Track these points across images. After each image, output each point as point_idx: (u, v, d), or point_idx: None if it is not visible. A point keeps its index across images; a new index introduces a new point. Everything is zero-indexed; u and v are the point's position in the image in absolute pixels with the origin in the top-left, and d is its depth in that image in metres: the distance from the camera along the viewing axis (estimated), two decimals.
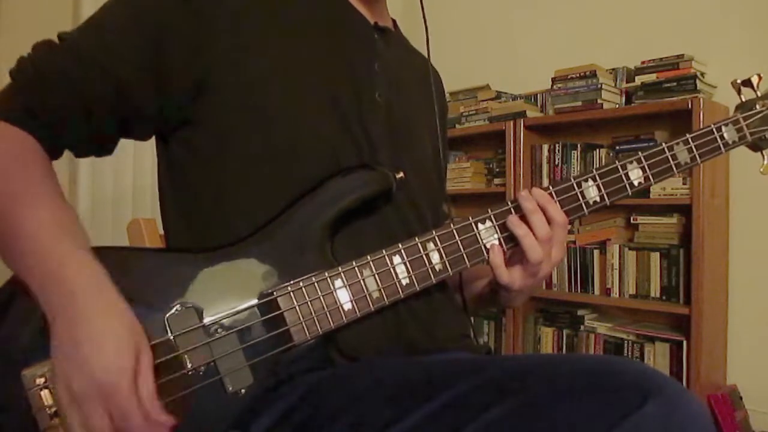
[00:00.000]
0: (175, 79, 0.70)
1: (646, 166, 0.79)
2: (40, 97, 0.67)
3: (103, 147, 0.74)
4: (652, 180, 0.79)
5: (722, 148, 0.84)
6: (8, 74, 0.68)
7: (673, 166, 0.81)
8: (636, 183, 0.79)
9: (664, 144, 0.81)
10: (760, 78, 0.87)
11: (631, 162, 0.79)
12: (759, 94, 0.87)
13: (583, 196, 0.77)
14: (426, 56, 0.97)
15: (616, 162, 0.79)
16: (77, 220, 0.63)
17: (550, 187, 0.76)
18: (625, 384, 0.52)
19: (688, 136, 0.82)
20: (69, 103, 0.67)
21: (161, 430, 0.56)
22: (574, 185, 0.77)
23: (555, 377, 0.55)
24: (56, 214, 0.61)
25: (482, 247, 0.74)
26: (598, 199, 0.78)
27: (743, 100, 0.88)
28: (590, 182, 0.77)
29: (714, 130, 0.83)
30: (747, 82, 0.87)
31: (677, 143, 0.81)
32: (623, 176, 0.79)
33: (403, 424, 0.57)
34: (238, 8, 0.72)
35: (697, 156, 0.81)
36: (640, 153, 0.80)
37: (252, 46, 0.72)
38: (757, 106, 0.86)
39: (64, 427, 0.56)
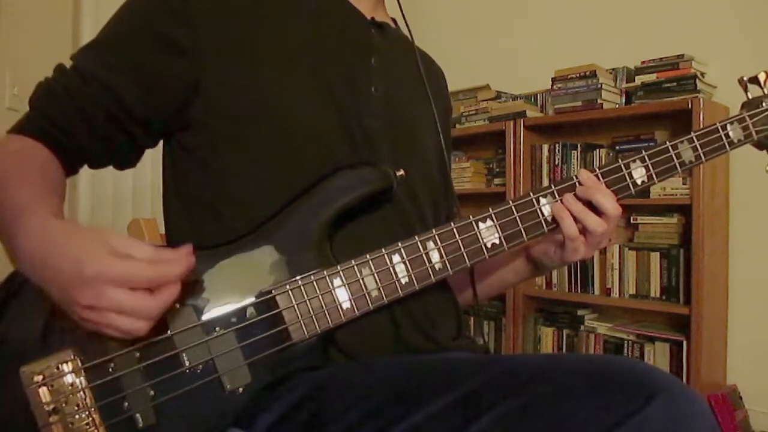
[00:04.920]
0: (169, 88, 0.72)
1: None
2: (47, 113, 0.72)
3: (115, 158, 0.77)
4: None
5: (727, 147, 0.82)
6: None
7: (676, 165, 0.80)
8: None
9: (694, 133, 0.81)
10: (767, 75, 0.85)
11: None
12: (766, 91, 0.85)
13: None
14: (428, 54, 0.97)
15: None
16: (54, 196, 0.66)
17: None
18: (629, 383, 0.52)
19: (693, 134, 0.80)
20: (73, 118, 0.71)
21: (171, 263, 0.56)
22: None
23: (559, 376, 0.55)
24: (36, 190, 0.64)
25: (482, 246, 0.73)
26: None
27: (749, 97, 0.86)
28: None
29: (719, 128, 0.82)
30: (754, 80, 0.85)
31: (681, 141, 0.80)
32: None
33: (408, 422, 0.57)
34: (232, 13, 0.73)
35: (702, 155, 0.80)
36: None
37: (245, 49, 0.72)
38: (764, 104, 0.84)
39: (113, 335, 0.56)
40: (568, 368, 0.56)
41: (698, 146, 0.80)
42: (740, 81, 0.87)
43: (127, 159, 0.78)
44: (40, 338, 0.60)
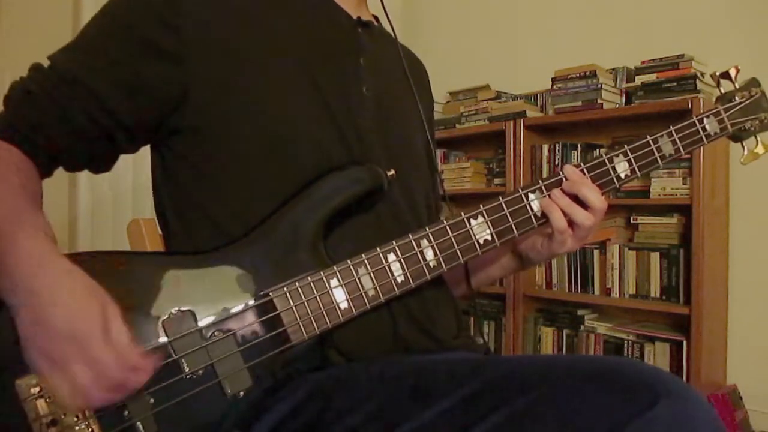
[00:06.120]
0: (155, 92, 0.70)
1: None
2: (23, 113, 0.69)
3: (92, 162, 0.75)
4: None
5: (704, 140, 0.85)
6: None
7: (657, 158, 0.83)
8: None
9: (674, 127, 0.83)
10: (737, 70, 0.89)
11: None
12: (737, 85, 0.89)
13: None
14: (410, 49, 0.98)
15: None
16: (37, 210, 0.65)
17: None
18: (635, 384, 0.52)
19: (672, 128, 0.83)
20: (51, 118, 0.69)
21: (140, 375, 0.56)
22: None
23: (564, 377, 0.55)
24: (15, 205, 0.62)
25: (475, 242, 0.74)
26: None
27: (722, 92, 0.90)
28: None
29: (696, 122, 0.85)
30: (725, 75, 0.89)
31: (661, 135, 0.83)
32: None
33: (412, 423, 0.58)
34: (218, 16, 0.72)
35: (681, 148, 0.83)
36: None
37: (233, 52, 0.72)
38: (737, 98, 0.88)
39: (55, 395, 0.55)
40: (574, 368, 0.56)
41: (677, 140, 0.83)
42: (713, 76, 0.90)
43: (104, 163, 0.77)
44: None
